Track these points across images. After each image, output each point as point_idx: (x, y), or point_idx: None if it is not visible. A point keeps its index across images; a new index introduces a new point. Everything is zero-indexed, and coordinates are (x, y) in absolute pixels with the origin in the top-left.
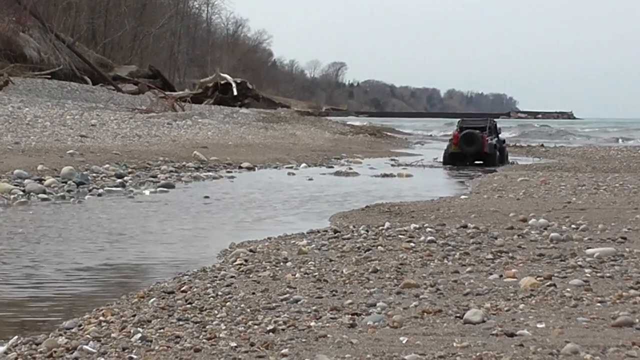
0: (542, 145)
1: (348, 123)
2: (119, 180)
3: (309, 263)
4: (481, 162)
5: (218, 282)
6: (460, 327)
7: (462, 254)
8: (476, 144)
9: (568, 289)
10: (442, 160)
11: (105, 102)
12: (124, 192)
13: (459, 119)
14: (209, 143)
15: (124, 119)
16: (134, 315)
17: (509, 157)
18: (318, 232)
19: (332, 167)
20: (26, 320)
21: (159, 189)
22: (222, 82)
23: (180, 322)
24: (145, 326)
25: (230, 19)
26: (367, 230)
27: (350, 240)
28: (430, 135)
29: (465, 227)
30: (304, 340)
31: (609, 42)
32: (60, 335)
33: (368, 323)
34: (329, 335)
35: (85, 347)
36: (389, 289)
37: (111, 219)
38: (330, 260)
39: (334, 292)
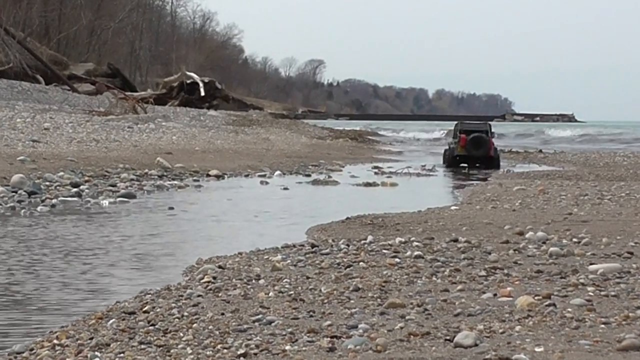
0: (541, 151)
1: (327, 126)
2: (75, 189)
3: (284, 280)
4: (479, 164)
5: (184, 301)
6: (451, 351)
7: (452, 271)
8: (484, 148)
9: (569, 309)
10: (443, 161)
11: (59, 103)
12: (80, 202)
13: (456, 122)
14: (173, 149)
15: (80, 122)
16: (92, 338)
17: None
18: (294, 246)
19: (310, 175)
20: None
21: (118, 199)
22: (188, 81)
23: (142, 346)
24: (103, 350)
25: (197, 12)
26: (348, 245)
27: (329, 255)
28: (418, 140)
29: (456, 241)
30: None
31: (614, 39)
32: None
33: (349, 347)
34: None
35: None
36: (371, 309)
37: (66, 232)
38: (308, 278)
39: (311, 313)
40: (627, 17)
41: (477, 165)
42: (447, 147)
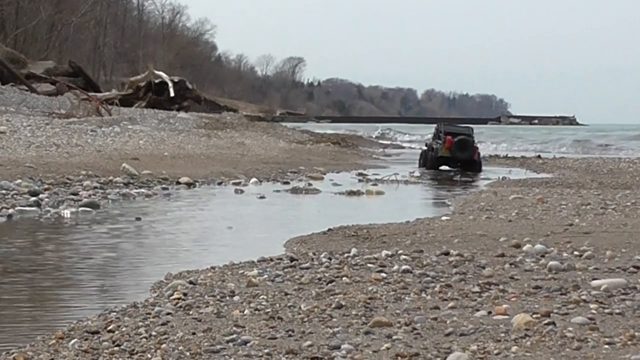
0: (539, 156)
1: (307, 130)
2: (33, 198)
3: (261, 297)
4: (461, 167)
5: (152, 320)
6: None
7: (443, 287)
8: (468, 151)
9: (570, 328)
10: (419, 164)
11: (16, 104)
12: (39, 212)
13: (436, 125)
14: (140, 154)
15: (40, 125)
16: None
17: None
18: (271, 260)
19: (288, 182)
20: None
21: (81, 208)
22: (157, 81)
23: None
24: None
25: (165, 5)
26: (330, 258)
27: (309, 270)
28: (405, 144)
29: (447, 254)
30: None
31: (619, 36)
32: None
33: None
34: None
35: None
36: (355, 329)
37: (23, 244)
38: (286, 294)
39: (290, 332)
40: (634, 14)
41: (458, 166)
42: (425, 149)
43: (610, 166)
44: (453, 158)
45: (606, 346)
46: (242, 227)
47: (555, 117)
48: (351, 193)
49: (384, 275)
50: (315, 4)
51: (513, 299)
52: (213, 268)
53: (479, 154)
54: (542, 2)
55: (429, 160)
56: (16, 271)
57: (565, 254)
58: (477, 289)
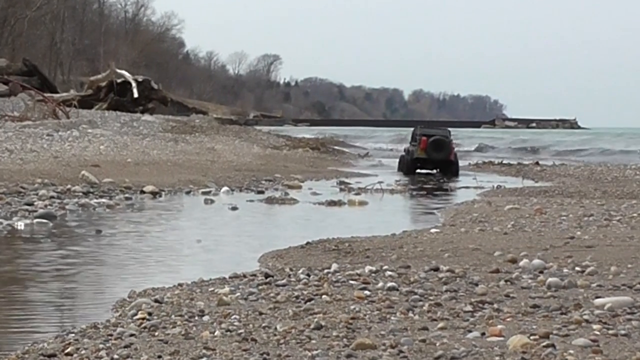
0: (537, 163)
1: (283, 134)
2: None
3: (233, 317)
4: (438, 169)
5: (114, 341)
6: None
7: (432, 305)
8: (444, 151)
9: (571, 351)
10: (399, 168)
11: None
12: None
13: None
14: (101, 160)
15: None
16: None
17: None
18: (244, 276)
19: (263, 192)
20: None
21: (36, 220)
22: (119, 80)
23: None
24: None
25: None
26: (309, 275)
27: (286, 287)
28: (391, 150)
29: (437, 269)
30: None
31: (622, 34)
32: None
33: None
34: None
35: None
36: (336, 351)
37: None
38: (260, 314)
39: (265, 355)
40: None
41: (436, 169)
42: (403, 153)
43: (614, 174)
44: (429, 159)
45: None
46: (212, 241)
47: (555, 120)
48: (332, 203)
49: (367, 293)
50: None
51: (509, 319)
52: (180, 285)
53: (455, 154)
54: None
55: (405, 164)
56: None
57: (565, 270)
58: (469, 308)
